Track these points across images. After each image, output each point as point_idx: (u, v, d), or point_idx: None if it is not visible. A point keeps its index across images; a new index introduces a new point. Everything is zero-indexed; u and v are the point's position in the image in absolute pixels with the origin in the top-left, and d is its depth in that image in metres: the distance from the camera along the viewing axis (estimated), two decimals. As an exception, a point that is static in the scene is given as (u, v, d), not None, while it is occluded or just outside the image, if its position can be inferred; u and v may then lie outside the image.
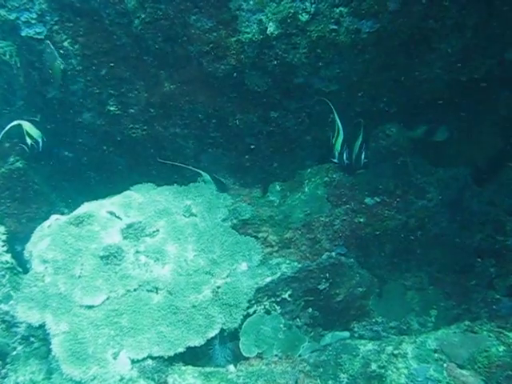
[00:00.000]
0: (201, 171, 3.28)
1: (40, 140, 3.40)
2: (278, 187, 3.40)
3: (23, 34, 3.13)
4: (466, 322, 2.52)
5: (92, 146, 3.68)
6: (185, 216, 3.09)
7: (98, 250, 2.83)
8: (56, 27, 3.11)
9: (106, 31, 3.07)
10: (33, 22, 3.09)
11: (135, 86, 3.25)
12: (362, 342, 2.76)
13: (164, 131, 3.36)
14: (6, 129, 3.23)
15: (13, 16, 3.09)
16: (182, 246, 2.92)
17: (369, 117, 3.10)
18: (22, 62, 3.36)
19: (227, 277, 2.89)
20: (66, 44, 3.15)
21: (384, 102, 3.07)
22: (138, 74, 3.21)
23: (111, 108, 3.36)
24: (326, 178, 3.22)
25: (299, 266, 2.95)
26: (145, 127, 3.41)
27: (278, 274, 2.93)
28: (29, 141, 3.35)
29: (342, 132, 2.91)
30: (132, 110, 3.34)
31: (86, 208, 3.02)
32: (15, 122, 3.27)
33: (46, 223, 3.02)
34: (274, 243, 3.14)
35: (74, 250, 2.82)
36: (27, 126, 3.32)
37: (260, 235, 3.16)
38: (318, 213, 3.15)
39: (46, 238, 2.89)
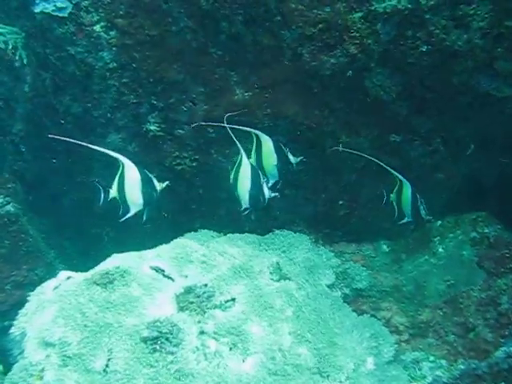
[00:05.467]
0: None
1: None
2: (384, 247, 2.37)
3: (37, 9, 2.17)
4: None
5: (113, 187, 2.64)
6: (273, 279, 1.99)
7: (138, 327, 1.70)
8: (86, 2, 2.16)
9: (159, 10, 2.13)
10: (53, -7, 2.16)
11: (191, 95, 2.28)
12: None
13: (225, 162, 2.35)
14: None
15: (23, -14, 2.17)
16: (272, 327, 1.80)
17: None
18: (30, 58, 2.40)
19: (346, 380, 1.76)
20: (97, 28, 2.19)
21: None
22: (198, 77, 2.24)
23: (151, 127, 2.36)
24: (474, 234, 2.20)
25: (461, 367, 1.85)
26: (196, 156, 2.40)
27: (429, 380, 1.82)
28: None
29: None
30: (180, 131, 2.35)
31: (117, 261, 1.91)
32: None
33: (50, 283, 1.91)
34: (401, 328, 2.05)
35: (99, 327, 1.69)
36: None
37: (381, 314, 2.08)
38: (466, 284, 2.09)
39: (51, 308, 1.76)
